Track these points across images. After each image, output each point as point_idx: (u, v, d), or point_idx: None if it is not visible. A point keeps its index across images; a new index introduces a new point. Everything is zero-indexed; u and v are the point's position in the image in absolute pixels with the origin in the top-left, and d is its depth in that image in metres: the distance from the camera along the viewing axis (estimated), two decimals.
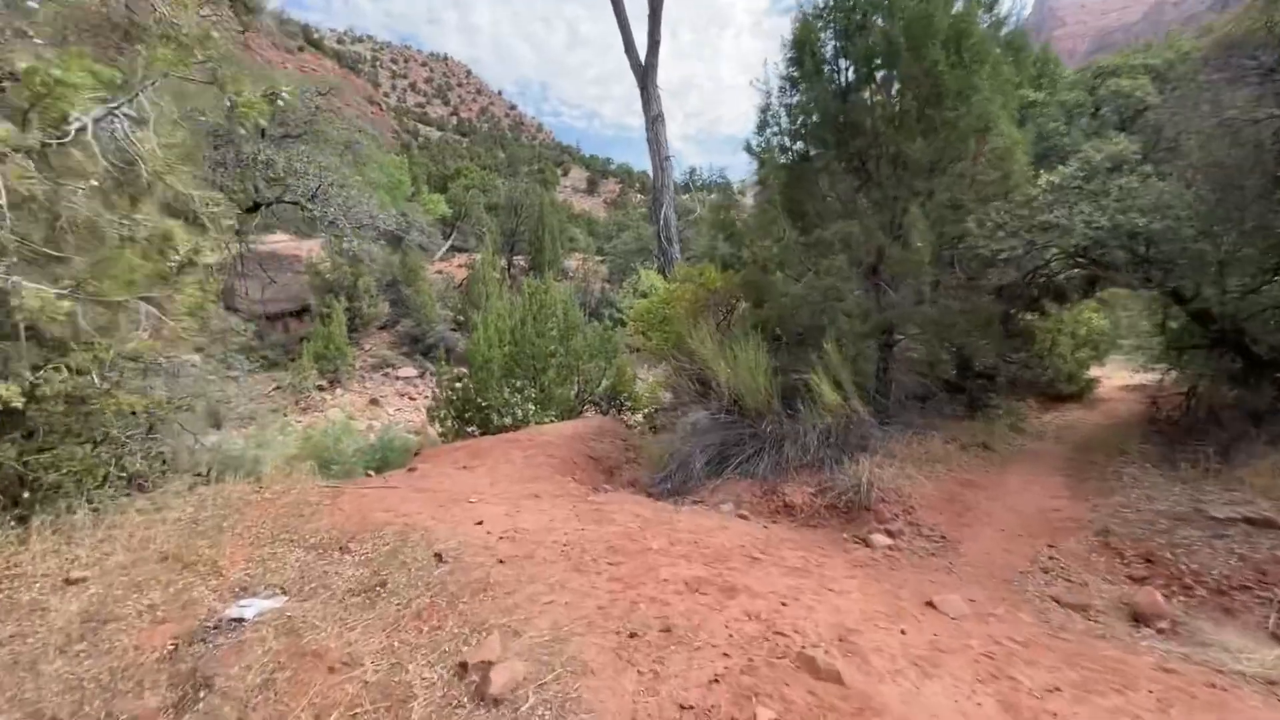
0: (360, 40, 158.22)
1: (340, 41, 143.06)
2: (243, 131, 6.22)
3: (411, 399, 22.92)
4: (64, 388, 3.51)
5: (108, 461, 4.21)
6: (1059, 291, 7.63)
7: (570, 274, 34.54)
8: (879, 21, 6.31)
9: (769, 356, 6.35)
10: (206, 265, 4.86)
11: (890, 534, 4.53)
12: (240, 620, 3.01)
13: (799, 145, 7.55)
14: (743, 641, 2.40)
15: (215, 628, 2.91)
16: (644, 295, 19.93)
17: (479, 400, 10.43)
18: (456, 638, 2.60)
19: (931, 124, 6.08)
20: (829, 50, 7.05)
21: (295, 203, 5.78)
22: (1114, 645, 2.76)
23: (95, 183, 3.31)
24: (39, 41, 3.65)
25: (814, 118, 7.17)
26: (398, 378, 24.95)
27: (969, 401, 8.83)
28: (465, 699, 2.17)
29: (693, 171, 35.58)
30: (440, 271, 34.00)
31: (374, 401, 23.40)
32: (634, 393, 11.51)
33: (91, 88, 3.24)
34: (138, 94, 3.32)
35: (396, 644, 2.60)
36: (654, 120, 15.89)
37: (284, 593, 3.36)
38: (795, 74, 7.29)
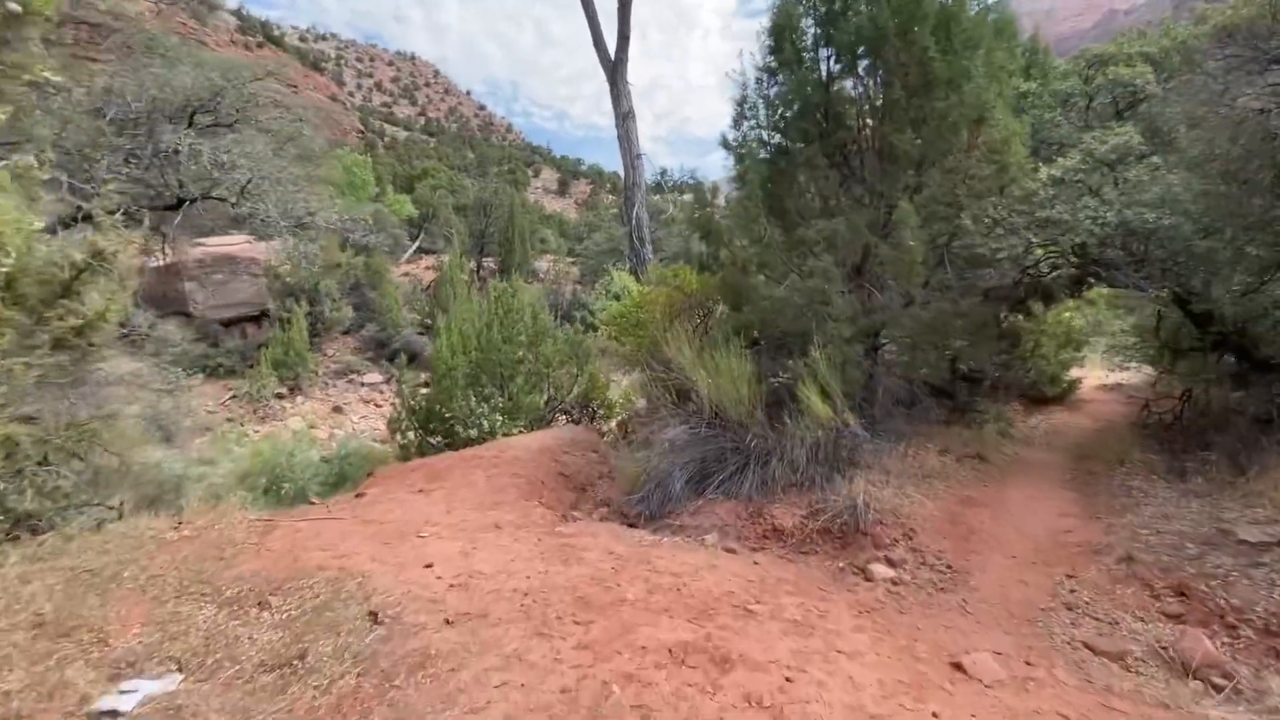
0: (324, 38, 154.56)
1: (303, 39, 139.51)
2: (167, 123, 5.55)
3: (377, 406, 22.06)
4: None
5: None
6: (1047, 291, 7.35)
7: (542, 276, 33.85)
8: (863, 6, 5.90)
9: (752, 363, 5.89)
10: (106, 268, 4.20)
11: (891, 563, 4.09)
12: (115, 715, 2.41)
13: (779, 139, 7.12)
14: None
15: None
16: (616, 297, 19.43)
17: (442, 411, 9.79)
18: None
19: (921, 114, 5.69)
20: (810, 38, 6.64)
21: (222, 199, 5.13)
22: (1178, 717, 2.34)
23: None
24: None
25: (795, 109, 6.74)
26: (363, 384, 24.05)
27: (955, 406, 8.53)
28: None
29: (664, 172, 35.25)
30: (407, 274, 33.02)
31: (337, 409, 22.48)
32: (607, 399, 10.97)
33: None
34: None
35: None
36: (624, 117, 15.39)
37: (180, 669, 2.76)
38: (774, 64, 6.85)
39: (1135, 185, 4.60)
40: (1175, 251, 4.99)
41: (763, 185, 6.91)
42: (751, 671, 2.29)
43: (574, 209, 69.42)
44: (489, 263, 33.97)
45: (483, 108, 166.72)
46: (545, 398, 10.93)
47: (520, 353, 10.61)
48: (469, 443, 9.12)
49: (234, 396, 21.06)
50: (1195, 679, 2.69)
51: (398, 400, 11.14)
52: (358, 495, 5.61)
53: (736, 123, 7.32)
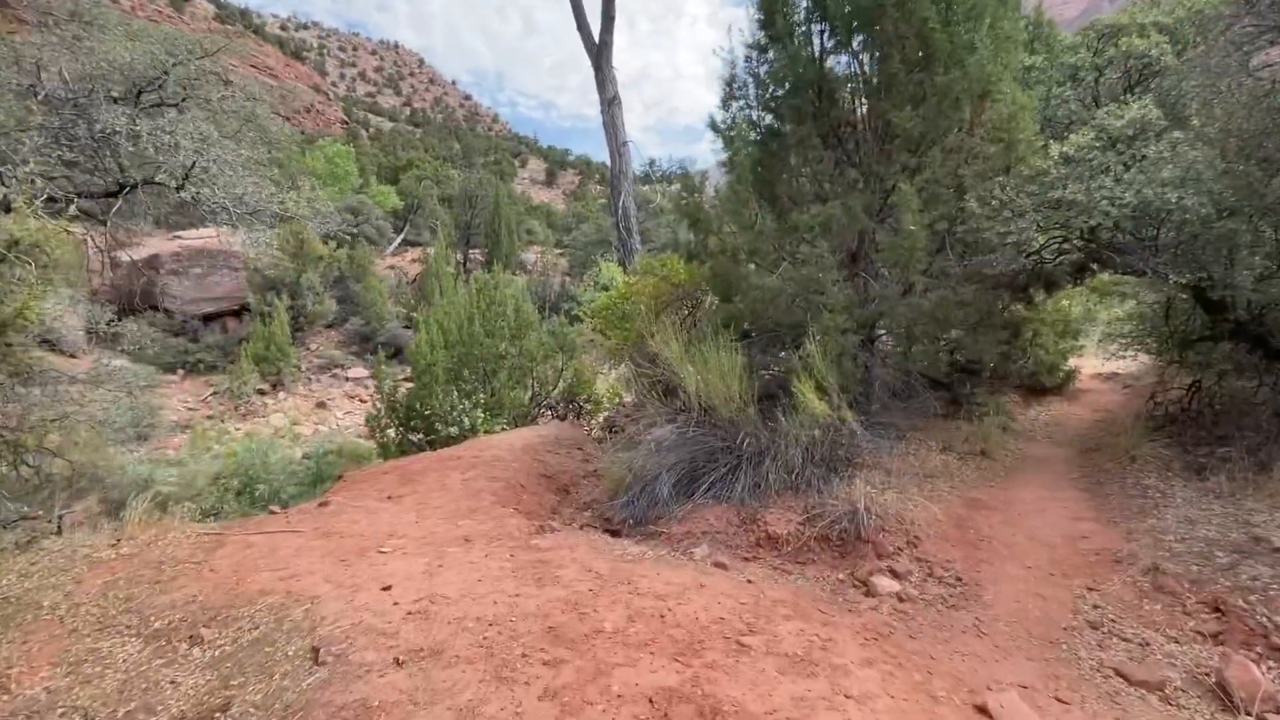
0: (305, 27, 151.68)
1: (284, 28, 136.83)
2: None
3: (362, 400, 21.63)
4: None
5: None
6: (1050, 278, 7.04)
7: (529, 267, 33.34)
8: None
9: (743, 357, 5.54)
10: (22, 260, 3.77)
11: (896, 574, 3.77)
12: None
13: (770, 120, 6.74)
14: None
15: None
16: (605, 288, 19.02)
17: (422, 409, 9.39)
18: None
19: (921, 90, 5.32)
20: (801, 11, 6.24)
21: (163, 184, 4.69)
22: None
23: None
24: None
25: (786, 87, 6.35)
26: (347, 378, 23.63)
27: (953, 399, 8.23)
28: None
29: (652, 163, 34.79)
30: (392, 266, 32.46)
31: (321, 404, 22.07)
32: (593, 394, 10.60)
33: None
34: None
35: None
36: (609, 102, 14.90)
37: None
38: (764, 39, 6.46)
39: (1155, 162, 4.27)
40: (1192, 234, 4.66)
41: (753, 169, 6.53)
42: None
43: (562, 199, 68.70)
44: (476, 254, 33.40)
45: (468, 97, 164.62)
46: (530, 393, 10.55)
47: (503, 346, 10.22)
48: (449, 441, 8.74)
49: (215, 393, 20.57)
50: (1245, 714, 2.38)
51: (376, 396, 10.75)
52: (321, 504, 5.22)
53: (725, 103, 6.93)
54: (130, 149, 4.75)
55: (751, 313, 6.44)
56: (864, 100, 6.23)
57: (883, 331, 6.69)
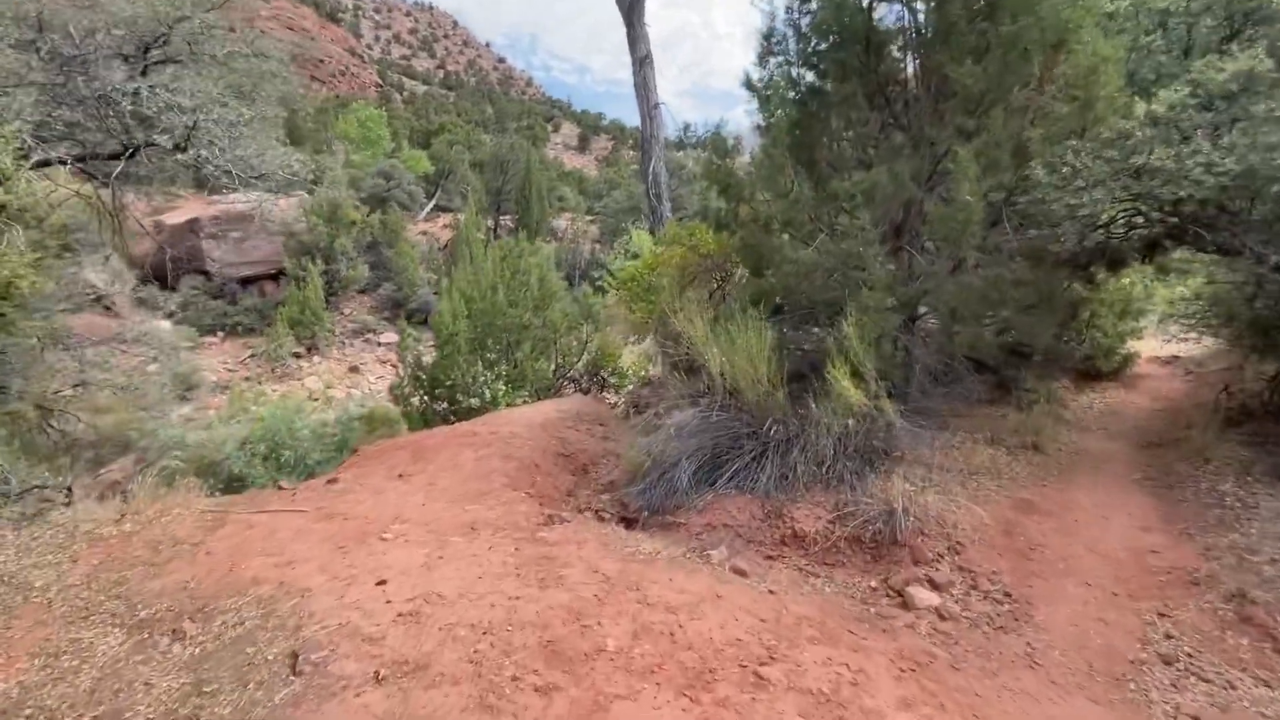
0: None
1: None
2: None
3: (394, 366, 21.82)
4: None
5: None
6: (1116, 256, 6.39)
7: (560, 234, 32.93)
8: None
9: (773, 336, 5.15)
10: (7, 224, 3.59)
11: (935, 585, 3.42)
12: None
13: (810, 77, 6.18)
14: None
15: None
16: (634, 256, 18.57)
17: (444, 379, 9.26)
18: None
19: (984, 41, 4.73)
20: None
21: (160, 146, 4.47)
22: None
23: None
24: None
25: (830, 40, 5.79)
26: (379, 344, 23.89)
27: (999, 383, 7.68)
28: None
29: (687, 128, 33.70)
30: (424, 232, 32.43)
31: (354, 369, 22.41)
32: (619, 368, 10.30)
33: None
34: None
35: None
36: (641, 62, 14.24)
37: None
38: None
39: (1265, 122, 3.66)
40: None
41: (790, 131, 6.02)
42: None
43: (594, 165, 67.63)
44: (506, 221, 33.12)
45: (502, 60, 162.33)
46: (553, 365, 10.33)
47: (526, 317, 9.97)
48: (470, 412, 8.61)
49: (252, 355, 21.02)
50: None
51: (400, 364, 10.69)
52: (330, 480, 5.09)
53: (762, 59, 6.38)
54: (129, 108, 4.52)
55: (784, 288, 6.01)
56: (916, 54, 5.63)
57: (926, 311, 6.19)
